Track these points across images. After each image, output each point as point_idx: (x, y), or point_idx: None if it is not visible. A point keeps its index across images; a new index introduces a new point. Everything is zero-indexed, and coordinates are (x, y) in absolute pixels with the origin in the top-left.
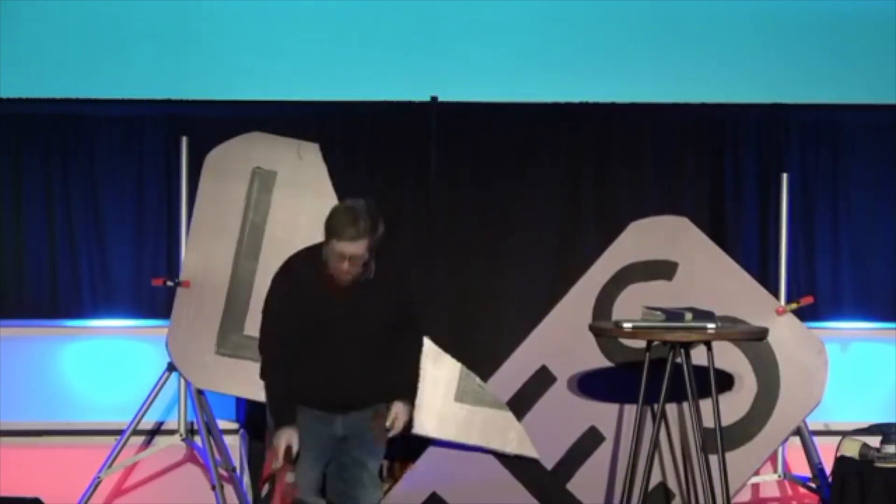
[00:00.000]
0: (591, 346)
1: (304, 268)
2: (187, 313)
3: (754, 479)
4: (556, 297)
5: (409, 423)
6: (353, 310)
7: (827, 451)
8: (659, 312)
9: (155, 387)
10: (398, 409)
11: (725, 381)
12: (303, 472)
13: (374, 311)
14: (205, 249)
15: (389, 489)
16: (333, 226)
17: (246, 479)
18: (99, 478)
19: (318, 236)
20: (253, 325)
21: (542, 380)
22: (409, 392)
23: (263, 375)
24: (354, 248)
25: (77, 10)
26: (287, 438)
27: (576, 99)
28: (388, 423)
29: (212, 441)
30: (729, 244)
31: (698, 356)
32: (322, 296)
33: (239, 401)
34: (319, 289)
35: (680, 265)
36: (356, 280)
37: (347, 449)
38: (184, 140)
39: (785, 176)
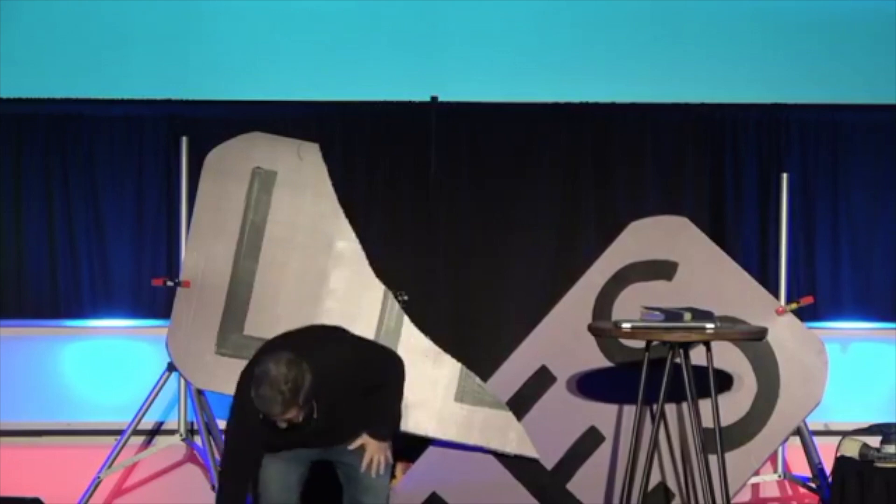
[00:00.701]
0: (590, 345)
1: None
2: (187, 313)
3: (754, 479)
4: (556, 297)
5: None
6: (316, 434)
7: (827, 451)
8: (658, 312)
9: (155, 387)
10: (368, 443)
11: (725, 381)
12: (281, 476)
13: (337, 424)
14: (205, 249)
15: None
16: (260, 411)
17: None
18: (99, 478)
19: (318, 236)
20: (253, 325)
21: (542, 380)
22: (381, 428)
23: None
24: (286, 417)
25: (77, 10)
26: None
27: (576, 99)
28: (362, 468)
29: (212, 441)
30: (729, 244)
31: (698, 356)
32: (277, 433)
33: None
34: (273, 429)
35: (680, 265)
36: (302, 421)
37: (333, 454)
38: (184, 140)
39: (785, 176)
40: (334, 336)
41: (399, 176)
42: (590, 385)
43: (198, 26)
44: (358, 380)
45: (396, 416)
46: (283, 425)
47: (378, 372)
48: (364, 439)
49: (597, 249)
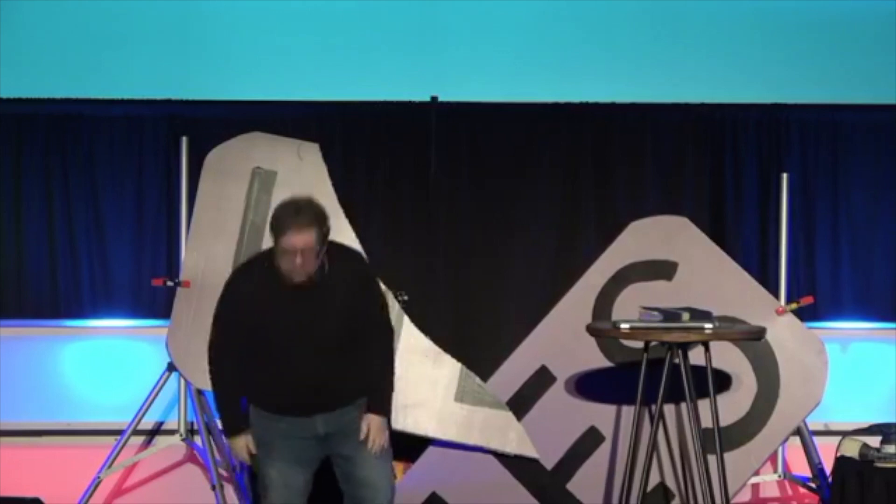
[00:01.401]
0: (590, 346)
1: (252, 275)
2: (187, 313)
3: (754, 479)
4: (556, 297)
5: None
6: (309, 312)
7: (827, 451)
8: (656, 313)
9: (155, 387)
10: (370, 423)
11: (724, 381)
12: (283, 477)
13: (331, 310)
14: (205, 249)
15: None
16: (277, 223)
17: (246, 479)
18: (99, 478)
19: None
20: None
21: (541, 380)
22: (379, 401)
23: (212, 385)
24: (302, 239)
25: (77, 10)
26: (245, 445)
27: (576, 99)
28: (360, 438)
29: (212, 441)
30: (729, 244)
31: (698, 356)
32: (275, 300)
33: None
34: (271, 294)
35: (680, 265)
36: (310, 279)
37: (332, 447)
38: (184, 140)
39: (785, 176)
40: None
41: (399, 176)
42: (589, 385)
43: (198, 26)
44: (359, 288)
45: (391, 388)
46: (297, 258)
47: (376, 303)
48: (366, 419)
49: (597, 249)
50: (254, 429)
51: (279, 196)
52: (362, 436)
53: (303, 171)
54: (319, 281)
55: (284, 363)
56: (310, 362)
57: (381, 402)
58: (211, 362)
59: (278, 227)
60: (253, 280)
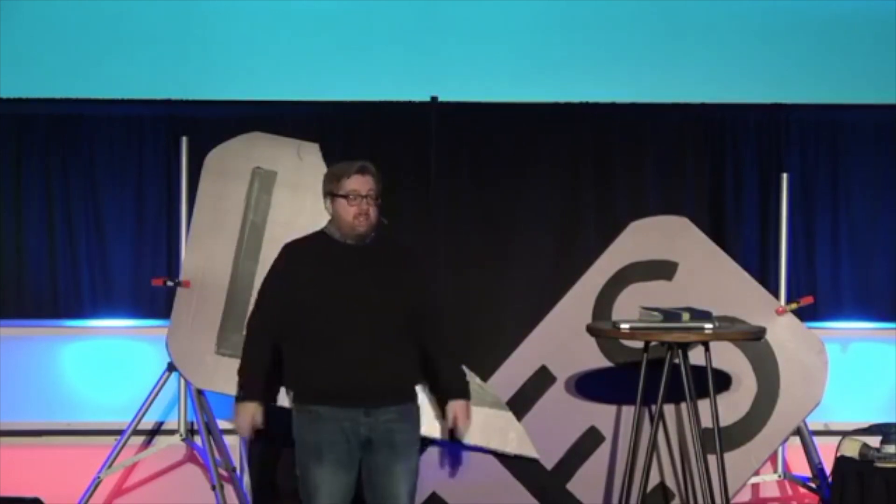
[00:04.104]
0: (590, 346)
1: (303, 246)
2: (187, 313)
3: (754, 479)
4: (556, 297)
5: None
6: (360, 281)
7: (827, 451)
8: (656, 313)
9: (155, 387)
10: (457, 408)
11: (724, 381)
12: (330, 481)
13: (381, 281)
14: (205, 249)
15: None
16: (339, 170)
17: (246, 479)
18: (99, 478)
19: None
20: None
21: (542, 380)
22: (459, 386)
23: (243, 349)
24: (367, 183)
25: (77, 10)
26: (252, 414)
27: (576, 99)
28: (449, 425)
29: (212, 441)
30: (729, 244)
31: (698, 356)
32: (325, 268)
33: None
34: (321, 263)
35: (680, 265)
36: (370, 230)
37: (369, 453)
38: (184, 140)
39: (785, 176)
40: None
41: (399, 176)
42: (589, 385)
43: (198, 26)
44: (408, 266)
45: (464, 372)
46: (362, 203)
47: (427, 284)
48: (451, 406)
49: (597, 249)
50: (299, 432)
51: (279, 196)
52: (450, 423)
53: (303, 171)
54: (370, 250)
55: (332, 337)
56: (359, 336)
57: (459, 385)
58: (248, 326)
59: (340, 173)
60: (304, 250)
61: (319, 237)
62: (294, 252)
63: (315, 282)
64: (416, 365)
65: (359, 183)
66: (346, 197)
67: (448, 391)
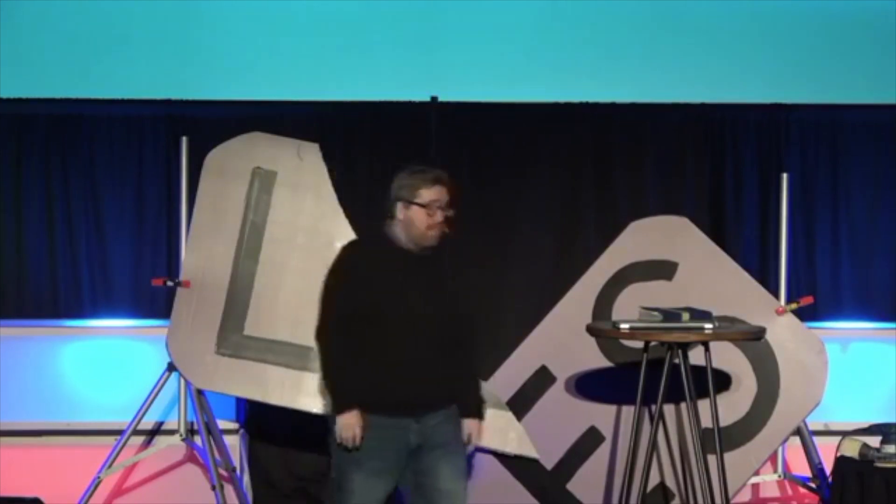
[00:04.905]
0: (590, 346)
1: (367, 249)
2: (187, 313)
3: (754, 479)
4: (556, 297)
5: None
6: (421, 291)
7: (827, 451)
8: (656, 313)
9: (155, 387)
10: (472, 427)
11: (724, 381)
12: (368, 487)
13: (440, 293)
14: (205, 249)
15: None
16: (414, 180)
17: (246, 479)
18: (99, 478)
19: (318, 236)
20: (253, 325)
21: (542, 380)
22: (477, 405)
23: (323, 360)
24: (444, 193)
25: (77, 10)
26: (356, 422)
27: (576, 99)
28: (465, 442)
29: (212, 441)
30: (729, 244)
31: (698, 356)
32: (388, 275)
33: (239, 401)
34: (384, 268)
35: (680, 265)
36: (439, 241)
37: (415, 459)
38: (184, 140)
39: (785, 176)
40: None
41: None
42: (589, 385)
43: (198, 26)
44: (451, 281)
45: (479, 389)
46: (438, 214)
47: (465, 301)
48: (466, 424)
49: (597, 249)
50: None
51: (279, 196)
52: (464, 439)
53: (303, 171)
54: (426, 258)
55: (388, 344)
56: (420, 348)
57: (478, 406)
58: (321, 336)
59: (419, 182)
60: (366, 252)
61: (381, 239)
62: (356, 253)
63: (374, 286)
64: (458, 373)
65: (438, 193)
66: (424, 206)
67: (467, 409)
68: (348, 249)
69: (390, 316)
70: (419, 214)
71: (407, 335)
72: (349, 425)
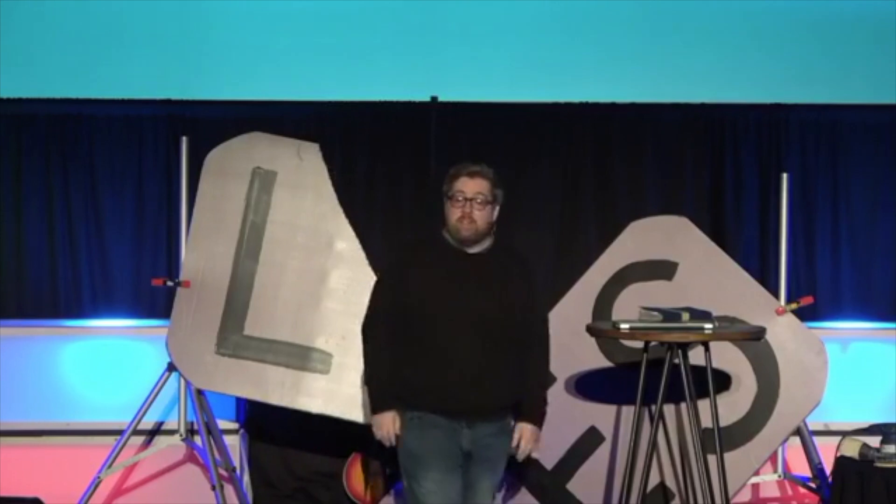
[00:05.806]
0: (590, 346)
1: (418, 248)
2: (187, 313)
3: (754, 479)
4: (556, 298)
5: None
6: (471, 289)
7: (827, 451)
8: (656, 313)
9: (155, 387)
10: (524, 431)
11: (724, 381)
12: (441, 487)
13: (493, 292)
14: (205, 249)
15: (389, 490)
16: (452, 172)
17: (246, 479)
18: (99, 478)
19: (318, 236)
20: (253, 326)
21: None
22: (536, 412)
23: (365, 357)
24: (474, 186)
25: (77, 10)
26: (392, 420)
27: (576, 99)
28: (513, 444)
29: (212, 441)
30: (729, 244)
31: (698, 356)
32: (438, 273)
33: (239, 401)
34: (434, 266)
35: (680, 265)
36: (476, 235)
37: (469, 467)
38: (184, 140)
39: (785, 176)
40: None
41: (399, 176)
42: (589, 385)
43: (198, 26)
44: (521, 282)
45: (545, 400)
46: (466, 206)
47: (537, 305)
48: (519, 427)
49: (597, 249)
50: (404, 441)
51: (279, 196)
52: (515, 442)
53: (303, 171)
54: (483, 258)
55: (440, 346)
56: (469, 347)
57: (536, 411)
58: (366, 332)
59: (454, 174)
60: (419, 251)
61: (436, 240)
62: (409, 252)
63: (426, 286)
64: (518, 380)
65: (465, 185)
66: (450, 198)
67: (525, 414)
68: (402, 248)
69: (436, 315)
70: (448, 207)
71: (456, 335)
72: (383, 424)
